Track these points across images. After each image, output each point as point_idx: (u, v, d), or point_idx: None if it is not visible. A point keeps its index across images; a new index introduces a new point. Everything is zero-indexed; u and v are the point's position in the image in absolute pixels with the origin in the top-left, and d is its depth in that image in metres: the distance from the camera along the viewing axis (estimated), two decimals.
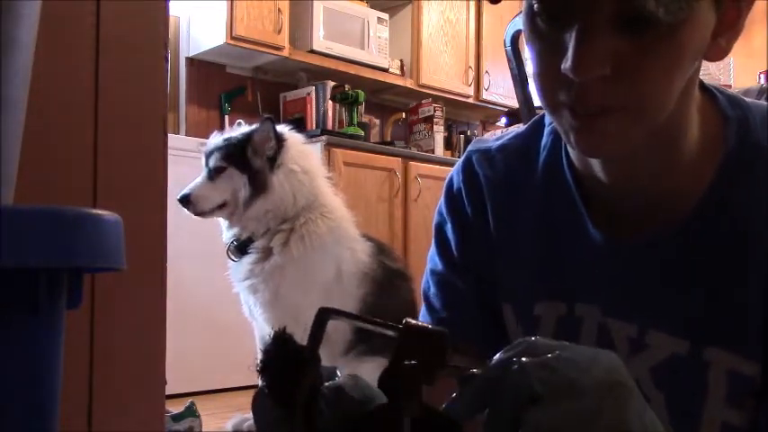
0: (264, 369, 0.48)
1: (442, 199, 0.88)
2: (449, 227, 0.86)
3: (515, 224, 0.80)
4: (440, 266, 0.86)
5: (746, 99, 0.74)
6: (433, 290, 0.86)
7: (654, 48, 0.59)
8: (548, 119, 0.82)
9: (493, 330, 0.82)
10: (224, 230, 2.38)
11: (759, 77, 3.82)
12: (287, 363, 0.47)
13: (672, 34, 0.59)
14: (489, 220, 0.82)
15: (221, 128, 4.08)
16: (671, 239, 0.70)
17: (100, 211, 0.59)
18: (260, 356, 0.50)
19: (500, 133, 0.92)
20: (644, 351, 0.71)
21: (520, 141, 0.84)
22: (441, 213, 0.88)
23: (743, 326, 0.68)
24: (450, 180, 0.87)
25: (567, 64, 0.59)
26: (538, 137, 0.82)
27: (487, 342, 0.82)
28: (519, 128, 0.89)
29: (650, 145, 0.67)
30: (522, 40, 2.52)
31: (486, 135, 0.99)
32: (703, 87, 0.73)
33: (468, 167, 0.85)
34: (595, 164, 0.72)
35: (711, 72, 4.32)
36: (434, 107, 4.78)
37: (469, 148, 0.88)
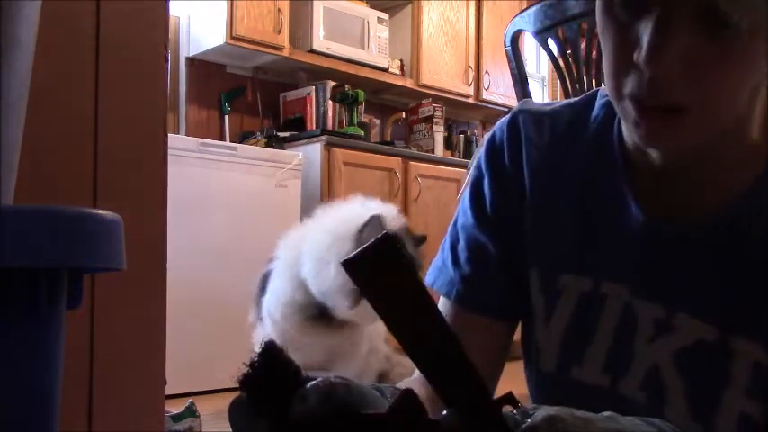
0: (250, 381, 0.43)
1: (481, 153, 0.87)
2: (486, 181, 0.84)
3: (555, 191, 0.80)
4: (470, 221, 0.85)
5: None
6: (461, 243, 0.85)
7: (729, 51, 0.58)
8: (602, 91, 0.81)
9: (511, 298, 0.82)
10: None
11: None
12: (276, 377, 0.43)
13: (749, 40, 0.57)
14: (525, 181, 0.82)
15: (221, 127, 4.11)
16: (715, 225, 0.70)
17: (100, 211, 0.59)
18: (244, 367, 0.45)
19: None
20: (670, 334, 0.71)
21: (571, 110, 0.83)
22: (479, 168, 0.86)
23: None
24: (493, 135, 0.86)
25: (641, 54, 0.58)
26: (589, 108, 0.81)
27: (502, 310, 0.83)
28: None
29: (712, 138, 0.66)
30: (522, 39, 2.52)
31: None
32: None
33: (513, 125, 0.84)
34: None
35: None
36: (434, 107, 4.77)
37: (517, 107, 0.87)
